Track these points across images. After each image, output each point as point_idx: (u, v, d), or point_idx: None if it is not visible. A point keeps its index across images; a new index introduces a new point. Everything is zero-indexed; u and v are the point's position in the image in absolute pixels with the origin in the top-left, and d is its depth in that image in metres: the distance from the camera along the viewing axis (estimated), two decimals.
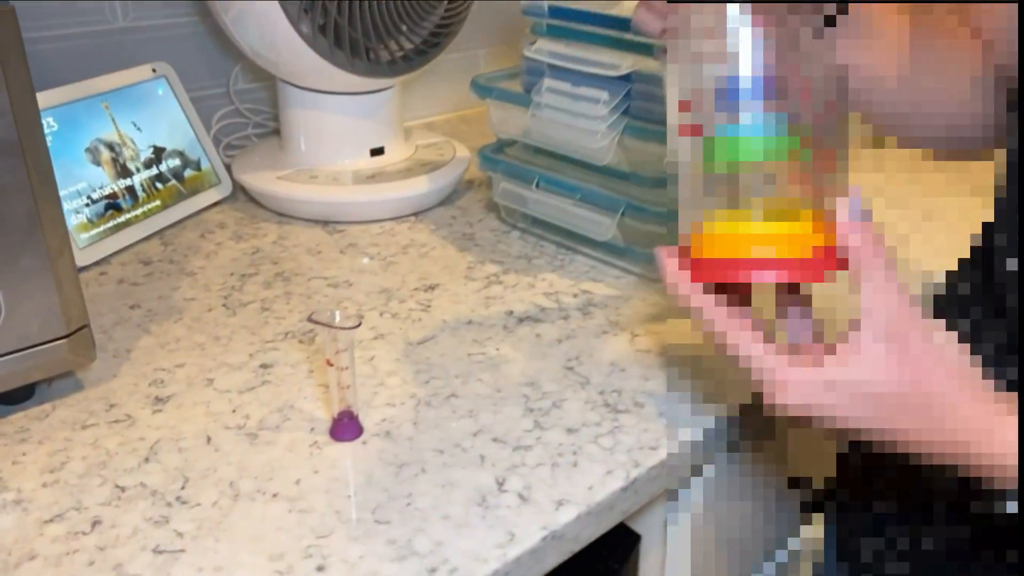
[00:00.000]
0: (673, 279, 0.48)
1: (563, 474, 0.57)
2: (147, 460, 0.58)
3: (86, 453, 0.59)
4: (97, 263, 0.86)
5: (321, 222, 0.96)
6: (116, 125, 0.90)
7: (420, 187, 0.96)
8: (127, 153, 0.91)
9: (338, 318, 0.57)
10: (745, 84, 0.45)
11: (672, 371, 0.68)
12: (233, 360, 0.70)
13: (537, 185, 0.86)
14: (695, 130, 0.47)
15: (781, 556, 0.86)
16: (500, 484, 0.56)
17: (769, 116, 0.45)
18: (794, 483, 0.80)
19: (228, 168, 1.03)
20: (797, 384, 0.44)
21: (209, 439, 0.61)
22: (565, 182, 0.84)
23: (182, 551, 0.51)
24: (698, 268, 0.47)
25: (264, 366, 0.69)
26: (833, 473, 0.82)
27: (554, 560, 0.54)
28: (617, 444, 0.60)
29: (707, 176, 0.47)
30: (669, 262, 0.48)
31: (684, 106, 0.47)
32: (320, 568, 0.50)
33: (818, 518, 0.88)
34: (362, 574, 0.49)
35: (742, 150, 0.46)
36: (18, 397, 0.64)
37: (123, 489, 0.56)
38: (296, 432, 0.61)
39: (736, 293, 0.47)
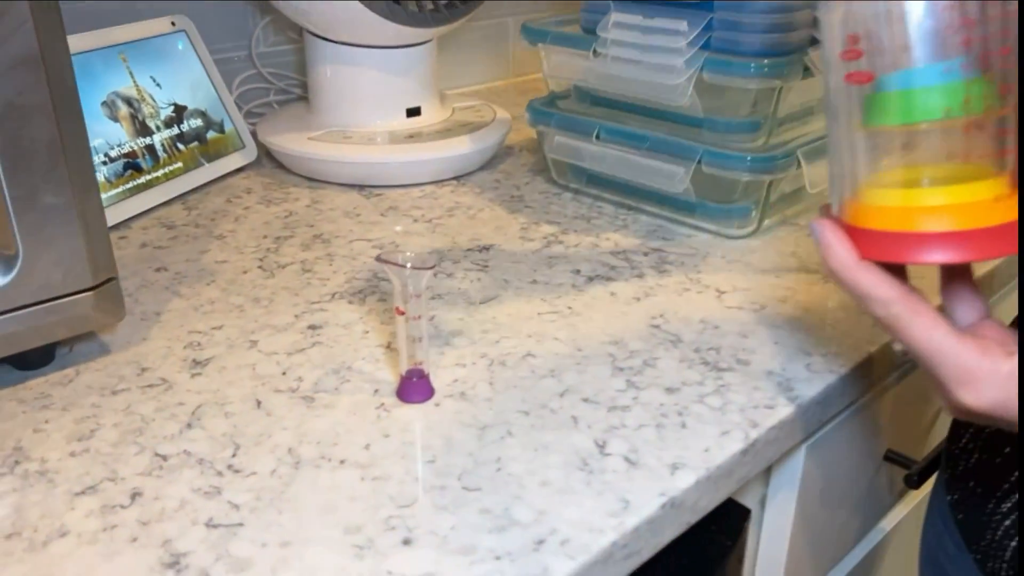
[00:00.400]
0: (837, 257, 0.41)
1: (672, 436, 0.50)
2: (189, 426, 0.51)
3: (118, 420, 0.51)
4: (115, 227, 0.78)
5: (356, 186, 0.88)
6: (134, 79, 0.83)
7: (462, 147, 0.89)
8: (146, 110, 0.83)
9: (409, 263, 0.50)
10: (927, 21, 0.37)
11: (780, 329, 0.61)
12: (277, 322, 0.62)
13: (598, 137, 0.78)
14: (860, 77, 0.40)
15: (875, 535, 0.78)
16: (601, 447, 0.49)
17: (951, 64, 0.38)
18: (893, 457, 0.72)
19: (252, 134, 0.95)
20: (995, 377, 0.38)
21: (259, 403, 0.53)
22: (630, 131, 0.76)
23: (240, 525, 0.43)
24: (864, 243, 0.40)
25: (312, 327, 0.61)
26: (930, 449, 0.75)
27: (671, 532, 0.47)
28: (727, 404, 0.53)
29: (873, 131, 0.40)
30: (830, 235, 0.41)
31: (852, 42, 0.39)
32: (407, 542, 0.42)
33: (915, 495, 0.81)
34: (457, 548, 0.42)
35: (918, 103, 0.38)
36: (35, 361, 0.56)
37: (164, 458, 0.48)
38: (358, 395, 0.54)
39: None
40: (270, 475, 0.47)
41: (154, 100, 0.84)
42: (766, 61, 0.67)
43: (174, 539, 0.42)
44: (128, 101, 0.82)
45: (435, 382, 0.55)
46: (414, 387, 0.53)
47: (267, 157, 0.95)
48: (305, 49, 0.92)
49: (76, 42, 0.78)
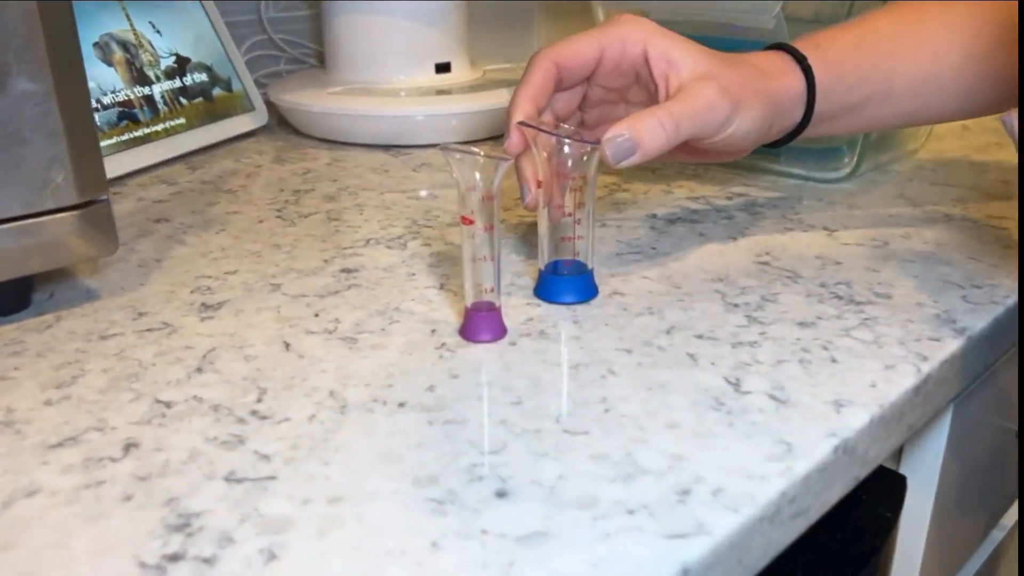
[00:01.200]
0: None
1: (823, 371, 0.39)
2: (199, 371, 0.39)
3: (108, 365, 0.40)
4: (110, 182, 0.67)
5: (382, 147, 0.78)
6: (131, 22, 0.73)
7: (501, 100, 0.79)
8: (145, 57, 0.73)
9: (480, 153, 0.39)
10: None
11: (914, 264, 0.50)
12: (302, 266, 0.51)
13: None
14: None
15: (1007, 519, 0.66)
16: (735, 384, 0.38)
17: None
18: None
19: (263, 97, 0.85)
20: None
21: (288, 345, 0.42)
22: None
23: (271, 478, 0.32)
24: None
25: (347, 271, 0.50)
26: None
27: (840, 488, 0.35)
28: (880, 337, 0.42)
29: None
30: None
31: None
32: (501, 494, 0.31)
33: None
34: (572, 500, 0.30)
35: None
36: (5, 305, 0.45)
37: (168, 405, 0.37)
38: (411, 335, 0.42)
39: None
40: (308, 421, 0.35)
41: (153, 48, 0.74)
42: None
43: (182, 497, 0.31)
44: (124, 45, 0.71)
45: (508, 321, 0.44)
46: (483, 322, 0.42)
47: (279, 125, 0.85)
48: (322, 3, 0.82)
49: None
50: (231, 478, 0.32)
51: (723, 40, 0.67)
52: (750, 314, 0.44)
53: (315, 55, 0.98)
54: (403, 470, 0.32)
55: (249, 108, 0.82)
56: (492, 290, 0.42)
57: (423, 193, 0.65)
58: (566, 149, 0.44)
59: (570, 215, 0.45)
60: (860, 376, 0.38)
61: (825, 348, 0.41)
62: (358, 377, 0.39)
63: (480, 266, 0.41)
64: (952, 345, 0.41)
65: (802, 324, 0.43)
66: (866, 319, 0.44)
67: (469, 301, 0.42)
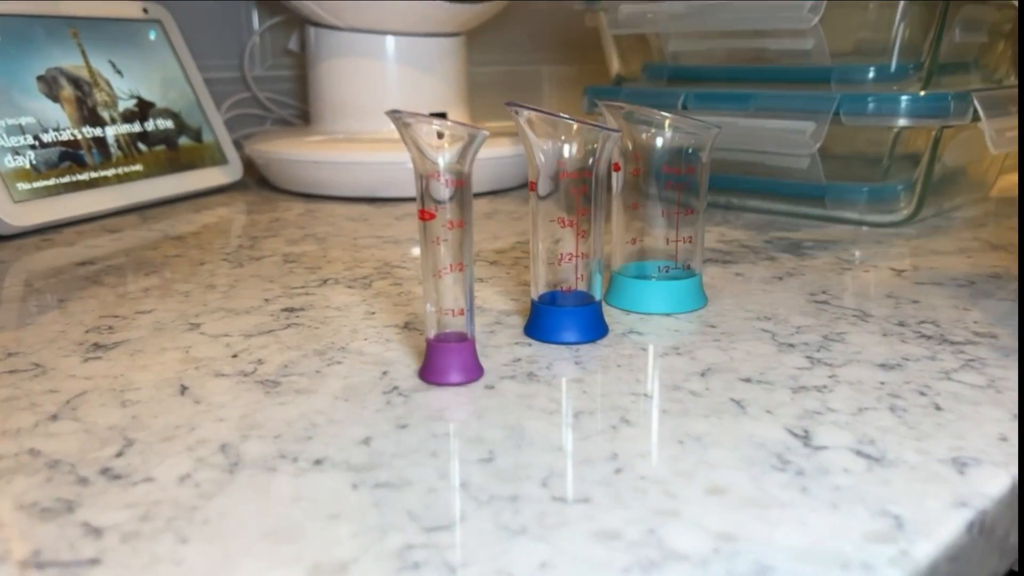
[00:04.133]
0: None
1: (926, 421, 0.27)
2: (54, 418, 0.28)
3: None
4: (41, 230, 0.58)
5: (365, 200, 0.69)
6: (86, 58, 0.65)
7: (502, 149, 0.70)
8: (99, 97, 0.65)
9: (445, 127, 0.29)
10: None
11: (1015, 303, 0.39)
12: (236, 305, 0.41)
13: (684, 107, 0.59)
14: None
15: None
16: (803, 437, 0.26)
17: None
18: None
19: (237, 148, 0.77)
20: None
21: (185, 389, 0.31)
22: (729, 92, 0.57)
23: (92, 563, 0.20)
24: None
25: (289, 310, 0.40)
26: None
27: None
28: (996, 380, 0.30)
29: None
30: None
31: None
32: None
33: None
34: None
35: None
36: None
37: None
38: (354, 378, 0.32)
39: None
40: (178, 482, 0.24)
41: (111, 88, 0.66)
42: None
43: None
44: (76, 82, 0.64)
45: (487, 362, 0.33)
46: (449, 358, 0.31)
47: (259, 184, 0.76)
48: (307, 47, 0.75)
49: (12, 6, 0.61)
50: (31, 562, 0.20)
51: (760, 70, 0.58)
52: (811, 355, 0.33)
53: (302, 115, 0.90)
54: (298, 553, 0.21)
55: (221, 161, 0.74)
56: (462, 313, 0.31)
57: (402, 239, 0.55)
58: (567, 137, 0.34)
59: (572, 225, 0.35)
60: (980, 427, 0.27)
61: (922, 393, 0.29)
62: (267, 427, 0.27)
63: (445, 280, 0.30)
64: None
65: (884, 366, 0.32)
66: (970, 360, 0.32)
67: (431, 331, 0.31)
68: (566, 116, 0.34)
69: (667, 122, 0.38)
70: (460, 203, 0.30)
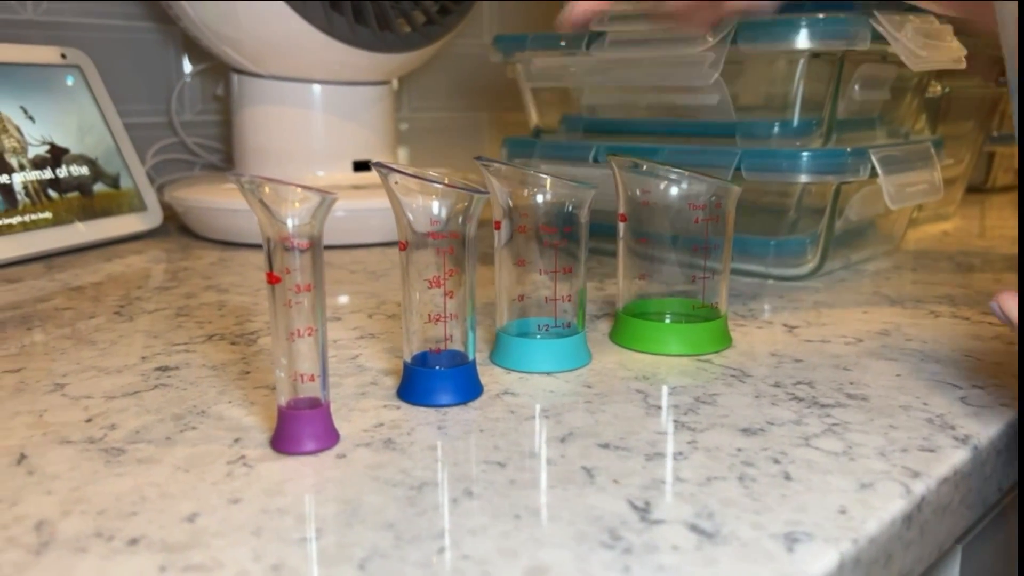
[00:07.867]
0: None
1: (772, 491, 0.27)
2: None
3: None
4: None
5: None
6: None
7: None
8: (7, 143, 0.64)
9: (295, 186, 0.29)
10: None
11: (897, 362, 0.39)
12: (109, 364, 0.40)
13: (595, 160, 0.59)
14: None
15: None
16: (642, 510, 0.26)
17: None
18: None
19: (159, 194, 0.76)
20: None
21: (23, 457, 0.30)
22: (638, 146, 0.58)
23: None
24: None
25: (163, 368, 0.39)
26: None
27: None
28: (853, 447, 0.30)
29: None
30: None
31: None
32: None
33: None
34: None
35: None
36: None
37: None
38: (202, 446, 0.31)
39: None
40: None
41: (20, 133, 0.65)
42: (821, 17, 0.50)
43: None
44: None
45: (344, 428, 0.32)
46: (300, 426, 0.30)
47: (180, 231, 0.75)
48: (230, 93, 0.75)
49: None
50: None
51: (671, 123, 0.59)
52: (678, 418, 0.33)
53: (230, 159, 0.89)
54: None
55: (140, 208, 0.72)
56: (314, 379, 0.30)
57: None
58: (436, 198, 0.34)
59: (440, 284, 0.34)
60: (823, 498, 0.26)
61: (776, 461, 0.29)
62: (93, 502, 0.26)
63: (297, 345, 0.30)
64: (953, 457, 0.29)
65: (746, 431, 0.31)
66: (834, 424, 0.32)
67: (282, 397, 0.30)
68: (434, 178, 0.34)
69: (547, 182, 0.38)
70: (310, 265, 0.29)
